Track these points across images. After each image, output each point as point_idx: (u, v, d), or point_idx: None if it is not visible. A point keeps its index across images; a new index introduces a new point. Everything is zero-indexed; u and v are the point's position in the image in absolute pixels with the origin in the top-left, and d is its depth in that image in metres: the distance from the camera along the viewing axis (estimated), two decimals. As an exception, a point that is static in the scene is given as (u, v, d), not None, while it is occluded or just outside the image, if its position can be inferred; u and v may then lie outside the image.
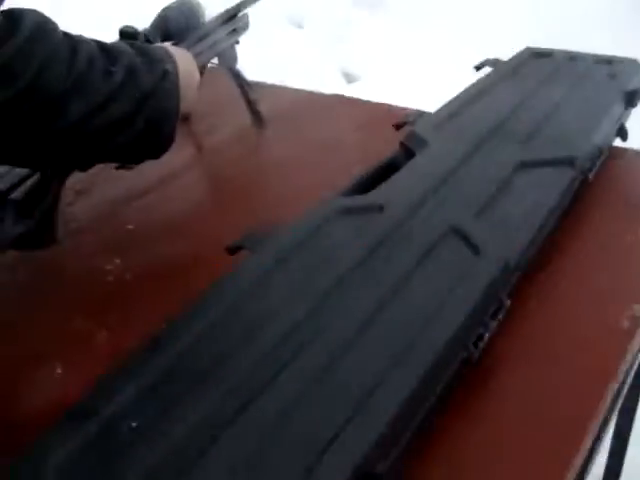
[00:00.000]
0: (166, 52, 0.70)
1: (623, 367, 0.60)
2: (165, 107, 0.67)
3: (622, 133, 0.90)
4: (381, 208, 0.68)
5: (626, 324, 0.63)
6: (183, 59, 0.73)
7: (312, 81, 2.32)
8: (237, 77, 1.01)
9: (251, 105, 1.03)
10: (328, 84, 2.51)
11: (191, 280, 0.73)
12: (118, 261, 0.77)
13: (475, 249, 0.61)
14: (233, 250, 0.67)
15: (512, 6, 2.65)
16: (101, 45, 0.62)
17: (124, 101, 0.62)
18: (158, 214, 0.87)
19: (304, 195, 0.86)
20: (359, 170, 0.80)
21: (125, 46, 0.65)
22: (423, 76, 2.23)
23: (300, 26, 2.75)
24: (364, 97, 1.16)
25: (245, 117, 1.04)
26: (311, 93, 1.14)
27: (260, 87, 1.06)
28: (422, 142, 0.80)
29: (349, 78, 2.63)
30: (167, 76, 0.67)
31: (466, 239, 0.63)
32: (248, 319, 0.56)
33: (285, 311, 0.55)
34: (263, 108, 1.04)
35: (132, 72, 0.62)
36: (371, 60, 2.58)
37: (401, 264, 0.60)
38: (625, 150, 0.90)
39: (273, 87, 1.15)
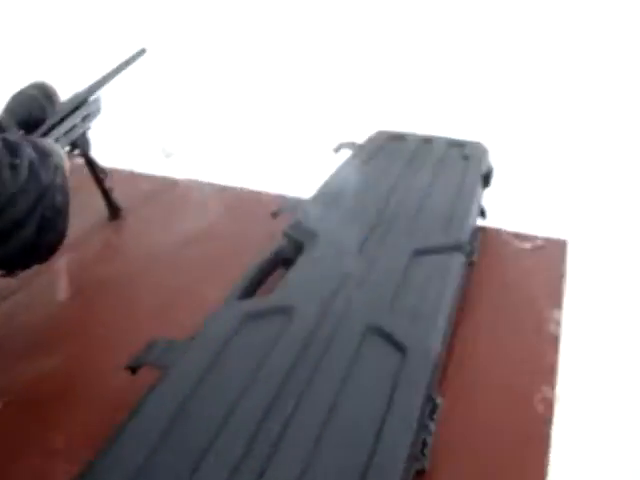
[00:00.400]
0: (50, 145, 0.62)
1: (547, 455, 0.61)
2: (58, 203, 0.60)
3: (482, 212, 0.95)
4: (291, 311, 0.64)
5: (541, 408, 0.64)
6: (59, 152, 0.66)
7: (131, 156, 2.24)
8: (91, 165, 0.92)
9: (107, 195, 0.95)
10: (147, 159, 2.45)
11: (75, 405, 0.64)
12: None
13: (400, 347, 0.60)
14: (135, 369, 0.60)
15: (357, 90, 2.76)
16: (2, 138, 0.53)
17: (25, 200, 0.54)
18: (22, 323, 0.75)
19: (183, 295, 0.80)
20: (237, 264, 0.76)
21: (20, 138, 0.57)
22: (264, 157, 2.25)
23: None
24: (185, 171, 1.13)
25: (100, 207, 0.95)
26: (165, 179, 1.08)
27: (114, 174, 0.98)
28: (310, 233, 0.78)
29: (167, 153, 2.58)
30: (58, 171, 0.60)
31: (388, 337, 0.61)
32: (180, 454, 0.49)
33: (218, 443, 0.49)
34: (119, 197, 0.97)
35: (32, 167, 0.55)
36: (193, 138, 2.57)
37: (331, 376, 0.56)
38: (484, 228, 0.95)
39: (126, 173, 1.08)
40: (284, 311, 0.64)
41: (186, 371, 0.56)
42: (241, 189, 1.04)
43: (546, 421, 0.63)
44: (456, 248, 0.76)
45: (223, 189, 1.05)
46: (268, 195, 1.01)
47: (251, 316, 0.64)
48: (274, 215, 0.87)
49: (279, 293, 0.68)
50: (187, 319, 0.70)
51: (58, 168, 0.61)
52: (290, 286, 0.69)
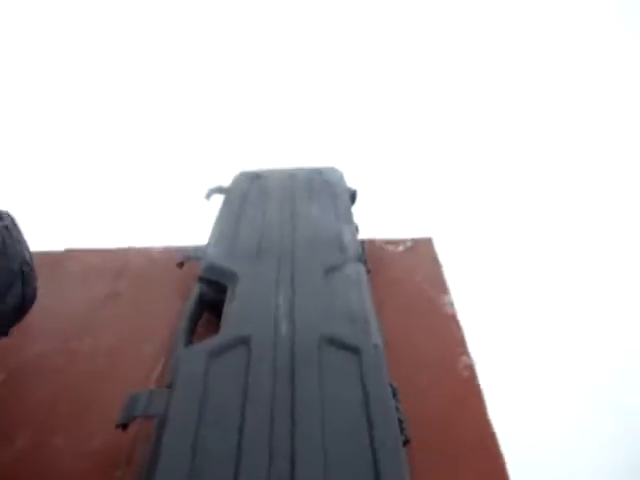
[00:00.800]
0: None
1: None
2: (28, 258, 0.65)
3: (356, 228, 1.07)
4: (248, 340, 0.71)
5: (466, 374, 0.77)
6: None
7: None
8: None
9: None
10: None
11: None
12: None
13: (353, 350, 0.69)
14: (125, 424, 0.63)
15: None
16: None
17: (12, 258, 0.57)
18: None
19: (122, 354, 0.83)
20: (158, 317, 0.82)
21: None
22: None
23: None
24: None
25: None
26: (45, 253, 1.08)
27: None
28: (227, 272, 0.85)
29: None
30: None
31: (340, 344, 0.70)
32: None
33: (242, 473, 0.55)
34: None
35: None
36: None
37: (309, 389, 0.63)
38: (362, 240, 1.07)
39: None
40: (241, 342, 0.71)
41: (183, 415, 0.61)
42: (129, 248, 1.07)
43: (473, 383, 0.76)
44: (357, 260, 0.88)
45: (109, 252, 1.07)
46: (158, 249, 1.05)
47: (213, 354, 0.69)
48: (180, 265, 0.93)
49: (229, 328, 0.74)
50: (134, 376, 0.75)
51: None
52: (236, 319, 0.75)
